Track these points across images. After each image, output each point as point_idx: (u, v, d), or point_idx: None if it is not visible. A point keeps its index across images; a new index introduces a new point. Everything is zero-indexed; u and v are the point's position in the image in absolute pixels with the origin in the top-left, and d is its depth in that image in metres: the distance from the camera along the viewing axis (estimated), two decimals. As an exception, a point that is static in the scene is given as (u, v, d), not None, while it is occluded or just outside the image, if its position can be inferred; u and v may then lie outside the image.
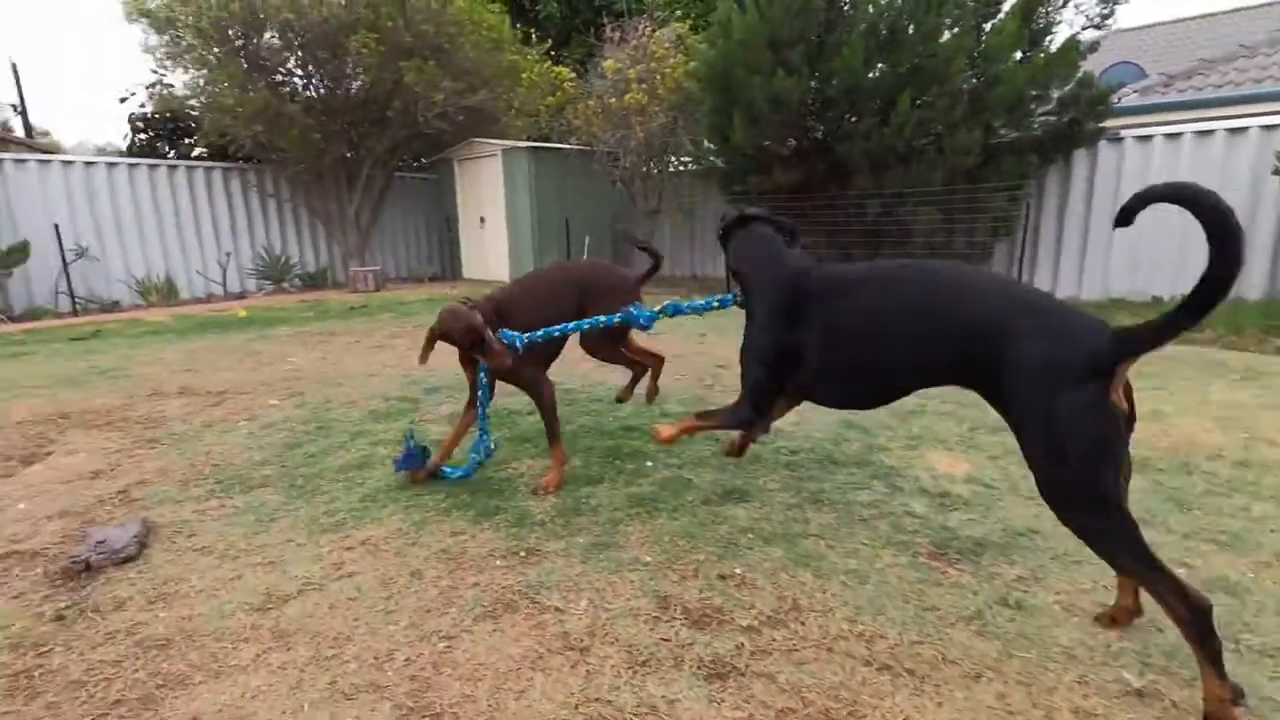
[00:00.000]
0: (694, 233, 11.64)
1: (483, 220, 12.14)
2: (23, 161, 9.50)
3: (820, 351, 2.00)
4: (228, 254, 11.11)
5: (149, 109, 11.78)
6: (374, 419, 3.82)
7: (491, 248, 12.10)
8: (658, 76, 9.71)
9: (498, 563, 2.23)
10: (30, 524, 2.61)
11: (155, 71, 11.02)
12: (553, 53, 11.09)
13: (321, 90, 10.59)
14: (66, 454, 3.37)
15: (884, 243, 7.80)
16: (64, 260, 9.32)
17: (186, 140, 11.87)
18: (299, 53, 10.18)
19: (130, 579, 2.19)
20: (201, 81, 9.87)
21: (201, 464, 3.20)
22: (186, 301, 10.36)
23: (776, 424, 3.19)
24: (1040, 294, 1.69)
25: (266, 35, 10.03)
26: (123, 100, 11.79)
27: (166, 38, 9.71)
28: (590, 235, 11.48)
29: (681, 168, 10.57)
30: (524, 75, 10.84)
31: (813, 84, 7.68)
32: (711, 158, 9.45)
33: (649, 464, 3.04)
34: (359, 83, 9.97)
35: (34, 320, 8.71)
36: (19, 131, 15.30)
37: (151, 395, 4.43)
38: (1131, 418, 1.55)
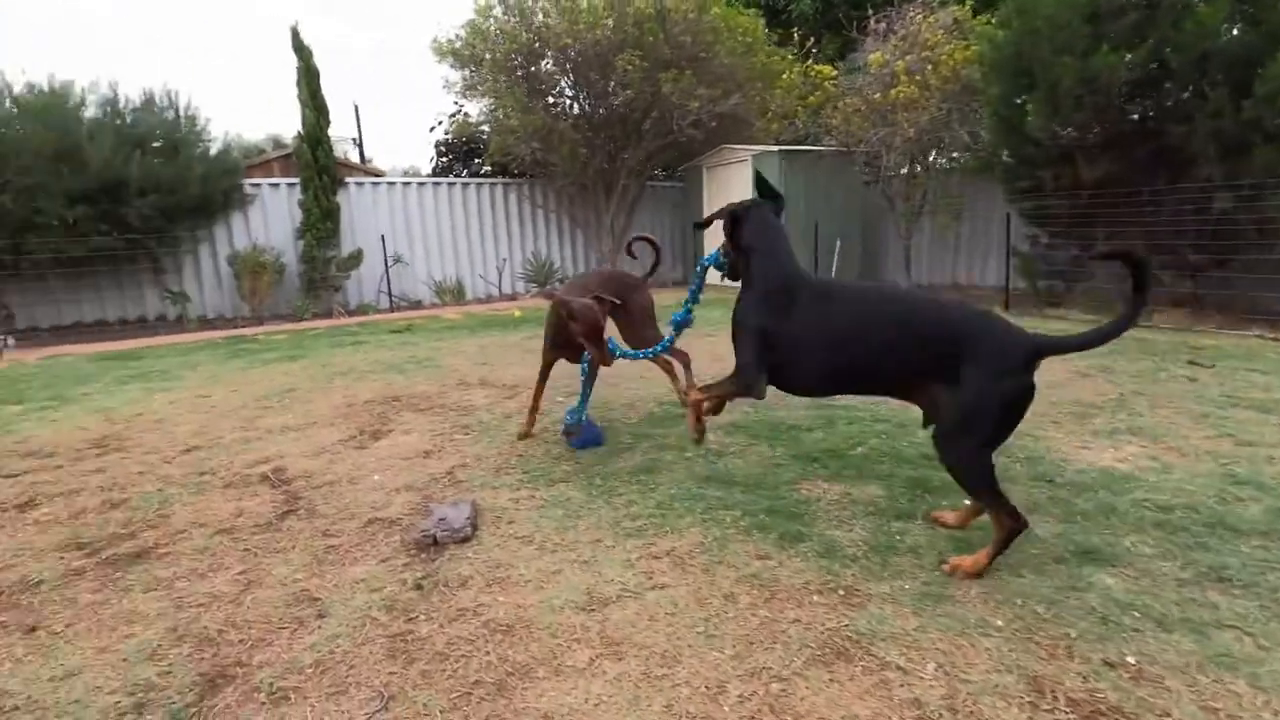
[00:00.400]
0: (961, 236, 10.52)
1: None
2: (360, 184, 11.59)
3: (800, 340, 2.35)
4: (503, 259, 12.51)
5: (449, 135, 13.69)
6: (652, 423, 3.89)
7: (735, 253, 12.09)
8: (929, 66, 8.91)
9: (815, 598, 2.04)
10: (384, 494, 3.01)
11: (456, 103, 12.82)
12: (813, 50, 10.74)
13: (587, 108, 11.44)
14: (403, 433, 3.90)
15: (1238, 245, 6.27)
16: (386, 265, 11.18)
17: (476, 160, 13.58)
18: (570, 75, 11.10)
19: (469, 558, 2.38)
20: (491, 108, 11.17)
21: (508, 453, 3.48)
22: (471, 301, 11.83)
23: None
24: (984, 311, 2.16)
25: (543, 63, 11.11)
26: (431, 129, 13.86)
27: (467, 72, 11.17)
28: (841, 239, 10.93)
29: (951, 165, 9.58)
30: (783, 76, 10.64)
31: (1131, 58, 6.41)
32: (994, 152, 8.41)
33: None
34: (620, 98, 10.56)
35: (363, 314, 10.55)
36: (355, 159, 18.85)
37: (459, 385, 5.01)
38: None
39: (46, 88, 8.81)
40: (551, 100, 11.59)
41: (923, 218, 10.25)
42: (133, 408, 4.76)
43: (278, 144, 16.25)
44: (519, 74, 10.96)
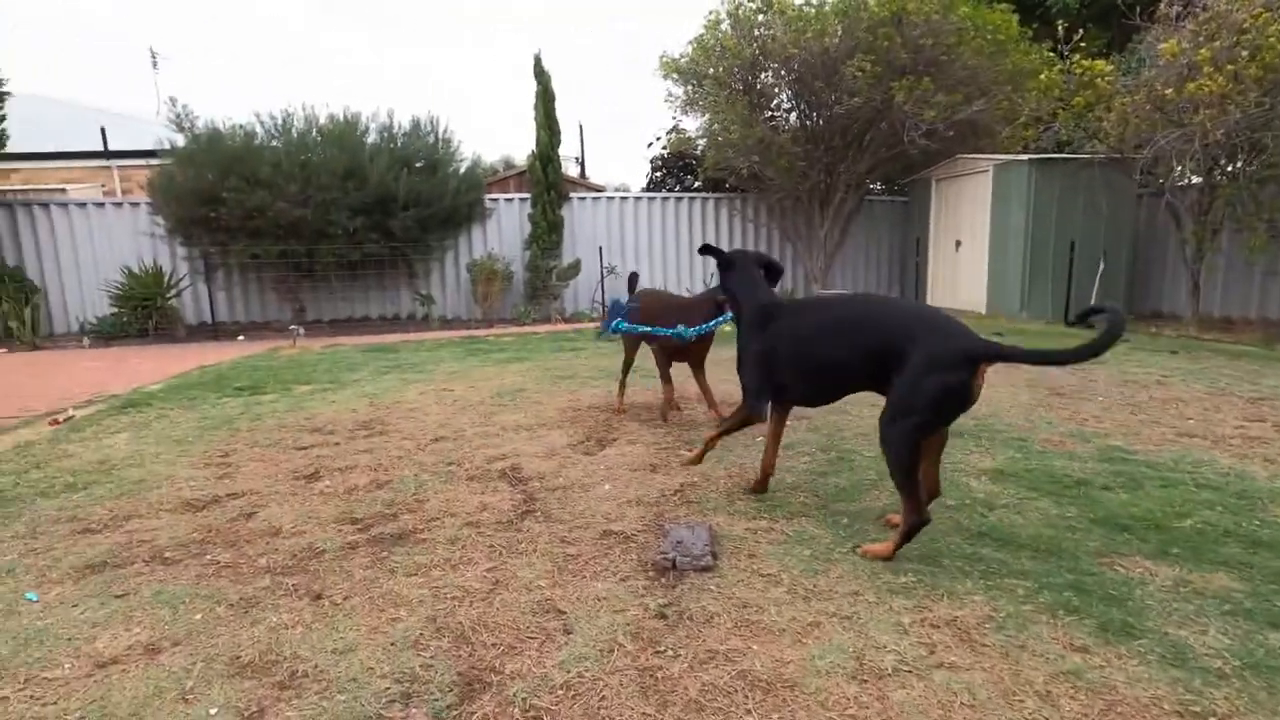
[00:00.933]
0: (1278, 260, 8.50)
1: (958, 244, 11.06)
2: (582, 198, 12.25)
3: (780, 354, 2.75)
4: (712, 274, 12.48)
5: (666, 151, 14.03)
6: (897, 458, 3.45)
7: (966, 273, 10.94)
8: (1244, 54, 7.30)
9: (1176, 723, 1.55)
10: (616, 505, 2.94)
11: (674, 119, 13.10)
12: (1080, 45, 9.37)
13: (807, 120, 11.04)
14: (628, 443, 3.86)
15: None
16: (601, 275, 11.69)
17: (689, 177, 13.76)
18: (791, 87, 10.79)
19: (711, 590, 2.19)
20: (711, 121, 11.20)
21: (737, 475, 3.27)
22: (676, 313, 11.95)
23: None
24: (936, 312, 2.46)
25: (764, 75, 10.94)
26: (649, 145, 14.31)
27: (689, 87, 11.33)
28: (1106, 260, 9.38)
29: (1267, 173, 7.77)
30: (1039, 76, 9.42)
31: None
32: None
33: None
34: (844, 107, 10.02)
35: (576, 322, 11.10)
36: (577, 176, 20.13)
37: (680, 398, 4.92)
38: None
39: (342, 118, 10.44)
40: (769, 114, 11.38)
41: (1219, 236, 8.44)
42: (391, 395, 5.31)
43: (508, 164, 17.83)
44: (739, 88, 10.89)
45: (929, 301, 11.85)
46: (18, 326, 9.41)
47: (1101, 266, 9.28)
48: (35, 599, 2.25)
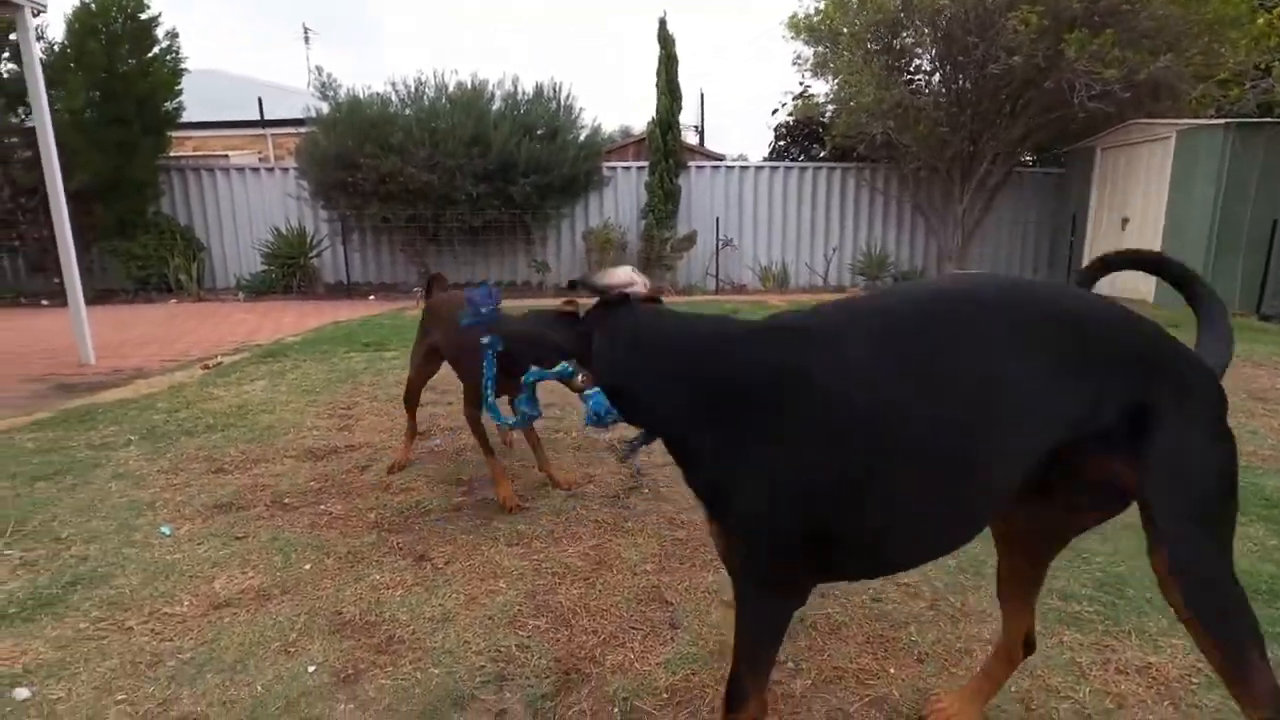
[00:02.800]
0: None
1: (1125, 222, 9.76)
2: (701, 168, 11.89)
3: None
4: (834, 248, 11.82)
5: (791, 118, 13.35)
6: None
7: (1131, 256, 9.65)
8: None
9: None
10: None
11: (800, 84, 12.40)
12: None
13: (952, 83, 10.04)
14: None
15: None
16: (717, 247, 11.36)
17: (816, 145, 13.03)
18: (936, 45, 9.82)
19: (838, 598, 1.93)
20: (843, 84, 10.44)
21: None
22: (794, 290, 11.42)
23: None
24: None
25: (904, 34, 10.03)
26: (774, 112, 13.67)
27: (820, 48, 10.62)
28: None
29: None
30: (1259, 22, 8.00)
31: None
32: None
33: None
34: (997, 67, 8.99)
35: (688, 295, 10.86)
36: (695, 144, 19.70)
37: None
38: None
39: (469, 85, 10.64)
40: (909, 75, 10.46)
41: None
42: (504, 358, 5.33)
43: (625, 134, 17.67)
44: (876, 47, 10.07)
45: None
46: (186, 280, 10.42)
47: (1312, 251, 7.85)
48: (169, 533, 2.34)
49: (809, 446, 1.05)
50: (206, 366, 5.07)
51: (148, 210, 10.56)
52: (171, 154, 11.13)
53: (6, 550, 2.22)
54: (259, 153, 13.47)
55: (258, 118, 13.70)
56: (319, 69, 10.39)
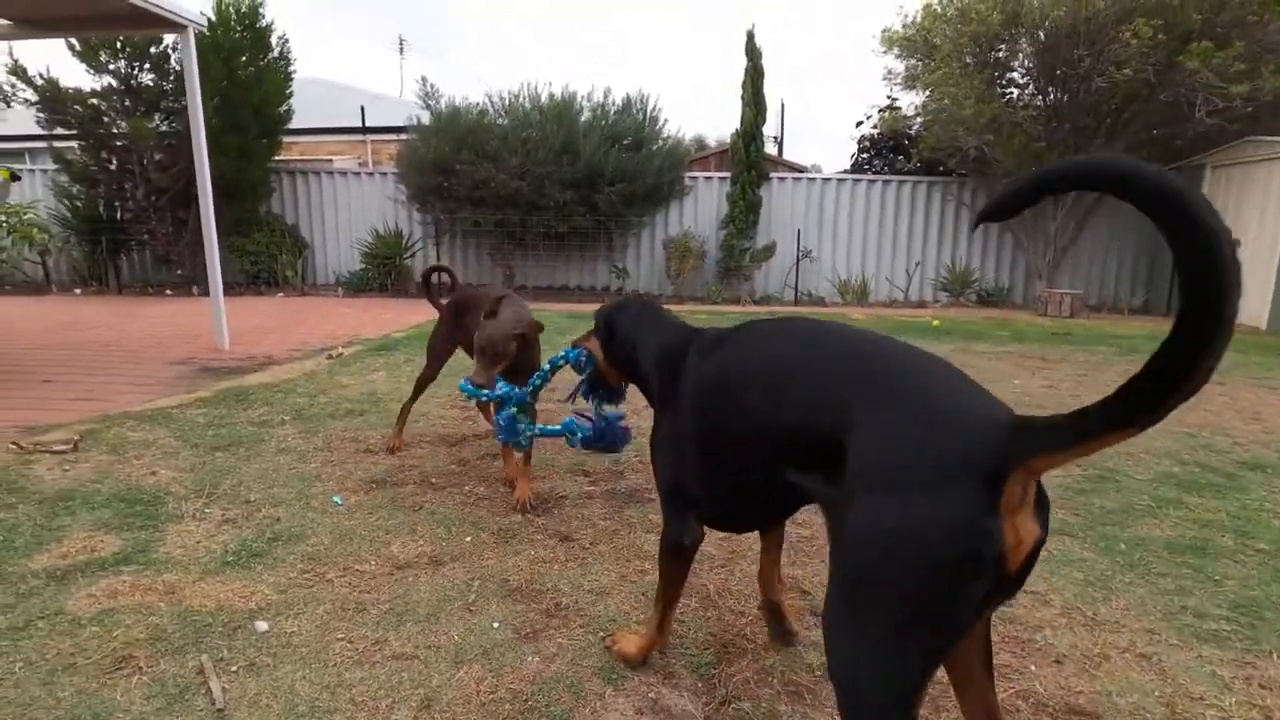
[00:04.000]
0: None
1: (1238, 243, 9.26)
2: (782, 179, 11.94)
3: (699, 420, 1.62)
4: (917, 263, 11.65)
5: (876, 130, 13.24)
6: (1178, 486, 2.97)
7: (1248, 281, 9.16)
8: None
9: None
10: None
11: (889, 97, 12.31)
12: None
13: (1050, 96, 9.80)
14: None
15: None
16: (798, 258, 11.38)
17: (900, 157, 12.87)
18: (1037, 58, 9.61)
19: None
20: (938, 96, 10.31)
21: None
22: (874, 304, 11.32)
23: None
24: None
25: (1002, 47, 9.85)
26: (859, 124, 13.58)
27: (913, 61, 10.53)
28: None
29: None
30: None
31: None
32: None
33: None
34: (1104, 80, 8.73)
35: (765, 305, 10.92)
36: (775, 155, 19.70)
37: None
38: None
39: (560, 96, 11.04)
40: (1004, 88, 10.26)
41: None
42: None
43: (700, 144, 17.82)
44: (971, 61, 9.93)
45: (1185, 310, 10.12)
46: (292, 275, 11.17)
47: None
48: (341, 504, 2.63)
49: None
50: (331, 356, 5.50)
51: (260, 210, 11.37)
52: (280, 158, 11.97)
53: (207, 509, 2.55)
54: (359, 158, 14.28)
55: (359, 124, 14.52)
56: (424, 79, 10.99)
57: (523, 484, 2.68)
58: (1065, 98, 9.59)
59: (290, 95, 11.07)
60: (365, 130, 14.49)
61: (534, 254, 11.54)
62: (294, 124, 11.75)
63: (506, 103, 10.95)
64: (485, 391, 2.42)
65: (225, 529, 2.38)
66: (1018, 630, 1.87)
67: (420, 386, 3.36)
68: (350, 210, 12.02)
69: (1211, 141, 9.39)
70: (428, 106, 10.82)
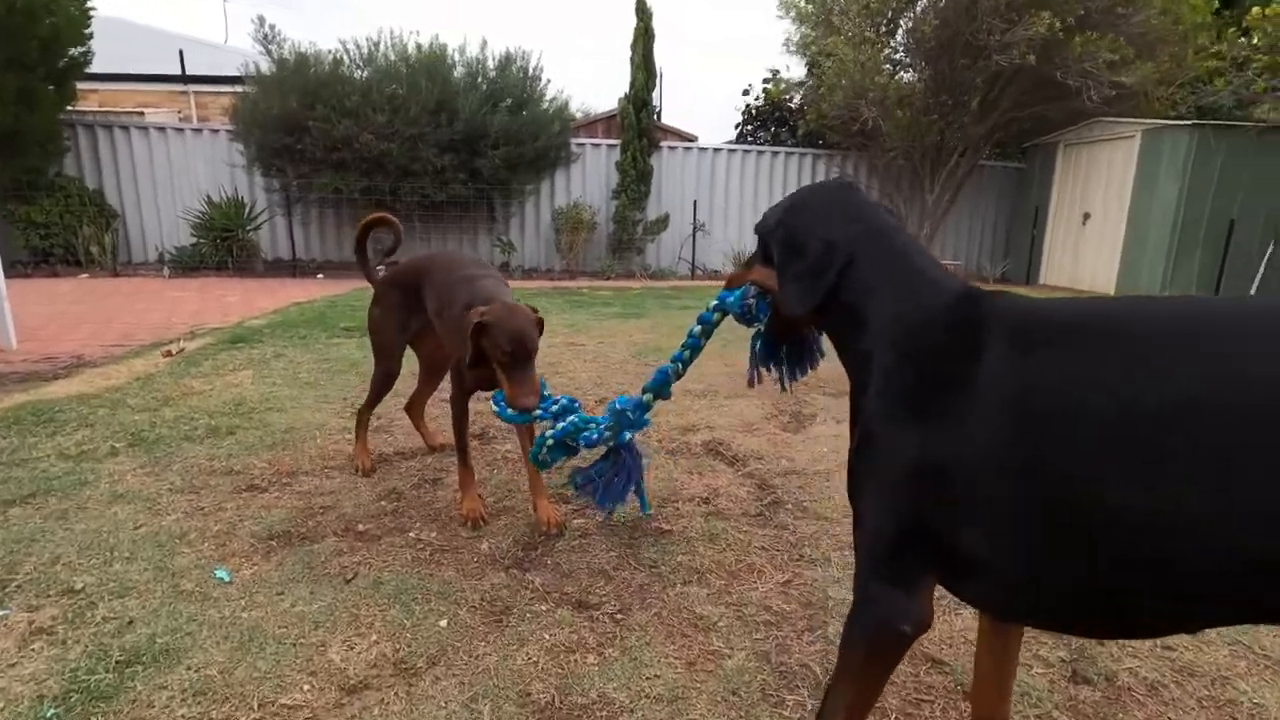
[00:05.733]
0: None
1: (1086, 217, 10.10)
2: (673, 148, 11.50)
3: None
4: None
5: (759, 101, 13.15)
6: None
7: (1092, 250, 10.01)
8: None
9: None
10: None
11: (770, 70, 12.19)
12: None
13: (941, 69, 9.99)
14: (835, 420, 3.30)
15: None
16: (694, 231, 11.03)
17: (783, 129, 12.86)
18: (933, 34, 9.71)
19: (1135, 655, 1.64)
20: (833, 66, 10.23)
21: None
22: (767, 276, 11.25)
23: None
24: None
25: (904, 19, 9.95)
26: (745, 93, 13.40)
27: (806, 28, 10.41)
28: (1275, 243, 8.42)
29: None
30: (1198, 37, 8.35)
31: None
32: None
33: None
34: (1005, 59, 8.97)
35: (663, 279, 10.49)
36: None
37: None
38: None
39: (428, 47, 9.79)
40: (896, 61, 10.40)
41: None
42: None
43: (584, 113, 17.02)
44: (870, 31, 9.95)
45: (1044, 279, 10.97)
46: (98, 252, 9.15)
47: (1271, 249, 8.31)
48: (229, 579, 1.79)
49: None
50: (169, 353, 4.30)
51: (49, 170, 9.19)
52: (77, 108, 9.74)
53: (0, 611, 1.62)
54: (179, 111, 12.06)
55: (178, 73, 12.24)
56: (260, 19, 9.27)
57: (544, 503, 2.15)
58: (949, 71, 9.83)
59: (90, 36, 8.96)
60: (186, 79, 12.25)
61: (407, 225, 10.23)
62: (94, 68, 9.59)
63: (365, 52, 9.55)
64: (539, 410, 1.88)
65: (38, 650, 1.49)
66: (1201, 685, 1.50)
67: (381, 388, 2.55)
68: (173, 174, 10.07)
69: (1065, 123, 10.10)
70: (267, 51, 9.17)
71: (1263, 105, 7.99)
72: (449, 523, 2.16)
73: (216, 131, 10.15)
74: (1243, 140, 8.36)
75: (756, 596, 1.77)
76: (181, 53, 12.22)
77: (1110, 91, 8.81)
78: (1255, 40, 8.17)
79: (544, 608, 1.71)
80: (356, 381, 3.77)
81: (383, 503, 2.29)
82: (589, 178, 11.14)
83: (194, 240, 9.53)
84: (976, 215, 12.06)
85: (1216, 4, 9.02)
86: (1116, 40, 8.31)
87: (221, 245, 9.43)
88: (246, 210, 9.69)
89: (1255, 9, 8.03)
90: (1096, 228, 9.95)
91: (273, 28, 9.41)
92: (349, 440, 2.82)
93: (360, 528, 2.11)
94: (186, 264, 9.46)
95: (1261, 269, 8.34)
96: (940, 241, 11.72)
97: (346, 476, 2.49)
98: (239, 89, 9.74)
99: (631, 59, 10.48)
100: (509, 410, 1.91)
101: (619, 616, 1.68)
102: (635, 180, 10.62)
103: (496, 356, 1.87)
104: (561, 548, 2.02)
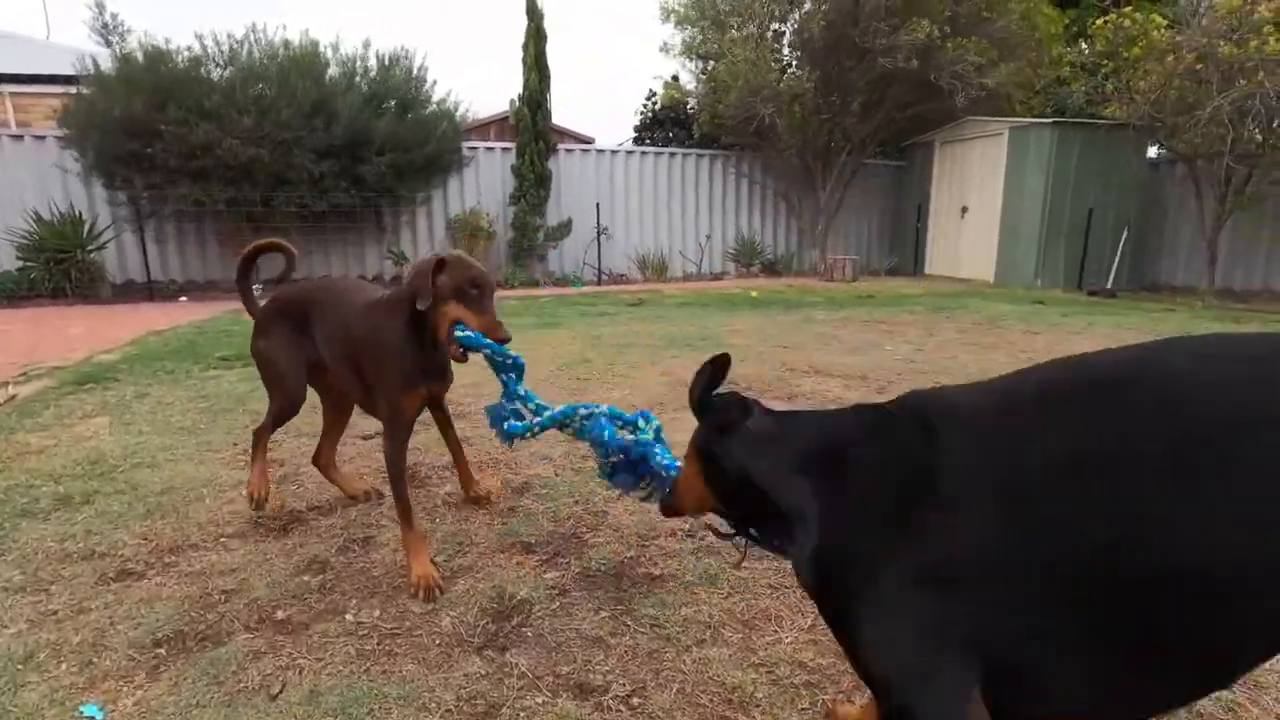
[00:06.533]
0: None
1: (964, 210, 10.76)
2: (570, 150, 11.19)
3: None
4: (707, 236, 11.76)
5: (655, 103, 13.10)
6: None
7: (971, 241, 10.67)
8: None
9: None
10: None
11: (656, 77, 12.16)
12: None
13: (829, 68, 10.27)
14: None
15: None
16: (599, 236, 10.76)
17: (681, 130, 12.86)
18: (820, 35, 9.96)
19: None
20: (712, 70, 10.33)
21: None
22: (674, 280, 11.18)
23: None
24: None
25: (790, 20, 10.16)
26: (648, 97, 13.29)
27: (692, 32, 10.42)
28: (1129, 228, 9.27)
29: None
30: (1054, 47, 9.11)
31: None
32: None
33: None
34: (885, 62, 9.33)
35: (566, 286, 10.16)
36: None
37: (788, 371, 4.22)
38: None
39: (298, 44, 8.94)
40: (784, 57, 10.62)
41: (1241, 214, 8.42)
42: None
43: (472, 116, 16.37)
44: (756, 33, 10.09)
45: (929, 270, 11.58)
46: (-107, 281, 7.66)
47: (1125, 234, 9.15)
48: (101, 717, 1.33)
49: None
50: (-5, 403, 3.52)
51: None
52: None
53: None
54: (-9, 116, 10.38)
55: (-14, 71, 10.55)
56: (99, 5, 8.08)
57: (423, 560, 1.81)
58: (836, 72, 10.14)
59: None
60: (1, 79, 10.58)
61: (284, 238, 9.32)
62: None
63: (227, 49, 8.58)
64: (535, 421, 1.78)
65: None
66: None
67: (282, 414, 2.16)
68: (-13, 187, 8.61)
69: (940, 122, 10.71)
70: (108, 43, 8.04)
71: (1110, 105, 8.77)
72: (394, 595, 1.77)
73: (43, 138, 8.80)
74: (1095, 136, 9.17)
75: (784, 652, 1.53)
76: (-9, 48, 10.55)
77: (978, 93, 9.39)
78: (1098, 46, 8.95)
79: (539, 699, 1.38)
80: (246, 421, 3.21)
81: (304, 576, 1.85)
82: (484, 183, 10.62)
83: (21, 264, 8.19)
84: (865, 211, 12.58)
85: (1066, 20, 9.84)
86: (982, 43, 8.88)
87: (56, 269, 8.17)
88: (86, 227, 8.45)
89: (1098, 20, 8.84)
90: (974, 220, 10.61)
91: (114, 17, 8.24)
92: (240, 493, 2.32)
93: (279, 615, 1.68)
94: (12, 293, 8.11)
95: (1119, 252, 9.17)
96: (833, 238, 12.13)
97: (251, 545, 2.02)
98: (71, 89, 8.47)
99: (524, 60, 10.10)
100: (515, 425, 1.77)
101: (634, 701, 1.38)
102: (534, 185, 10.24)
103: (458, 294, 1.76)
104: (540, 612, 1.69)
